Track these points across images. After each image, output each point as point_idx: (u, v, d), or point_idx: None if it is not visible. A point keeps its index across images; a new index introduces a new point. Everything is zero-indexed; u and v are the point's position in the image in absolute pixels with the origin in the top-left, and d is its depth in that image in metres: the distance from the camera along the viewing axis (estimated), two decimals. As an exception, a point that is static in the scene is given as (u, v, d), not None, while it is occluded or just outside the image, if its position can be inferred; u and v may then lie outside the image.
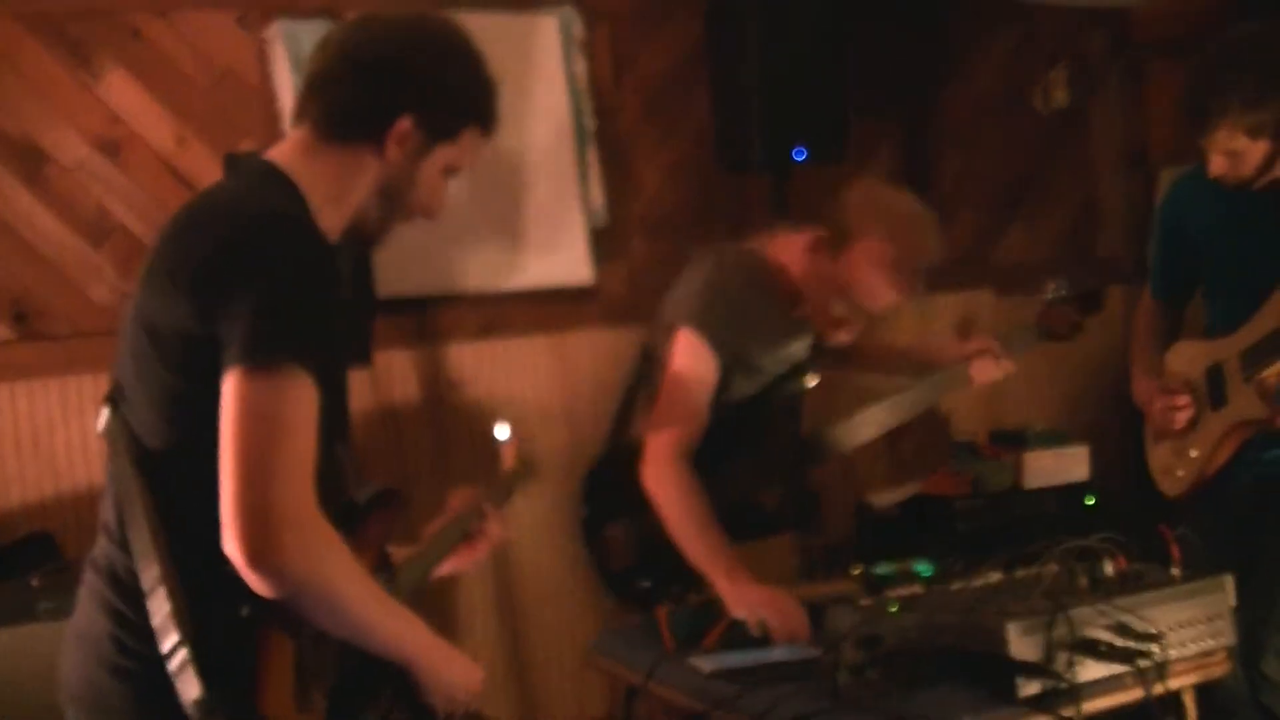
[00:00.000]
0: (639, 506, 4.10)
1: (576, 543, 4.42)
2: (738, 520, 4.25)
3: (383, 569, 2.85)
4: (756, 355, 4.26)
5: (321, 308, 2.47)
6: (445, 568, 3.37)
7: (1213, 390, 4.26)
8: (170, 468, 2.51)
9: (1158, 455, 4.49)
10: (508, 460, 3.67)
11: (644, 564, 4.30)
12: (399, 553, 3.07)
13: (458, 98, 2.79)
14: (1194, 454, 4.32)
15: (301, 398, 2.39)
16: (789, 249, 4.25)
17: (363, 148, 2.73)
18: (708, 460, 4.13)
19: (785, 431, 4.54)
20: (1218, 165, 4.06)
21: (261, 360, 2.36)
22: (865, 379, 4.87)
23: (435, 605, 5.60)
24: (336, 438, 2.69)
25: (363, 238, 2.87)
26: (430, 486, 5.45)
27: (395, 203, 2.82)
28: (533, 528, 5.54)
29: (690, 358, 4.13)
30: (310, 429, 2.41)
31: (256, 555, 2.31)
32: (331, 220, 2.71)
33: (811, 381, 4.49)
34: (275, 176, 2.68)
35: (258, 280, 2.40)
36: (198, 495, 2.37)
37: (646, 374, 4.36)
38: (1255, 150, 3.97)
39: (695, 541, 3.98)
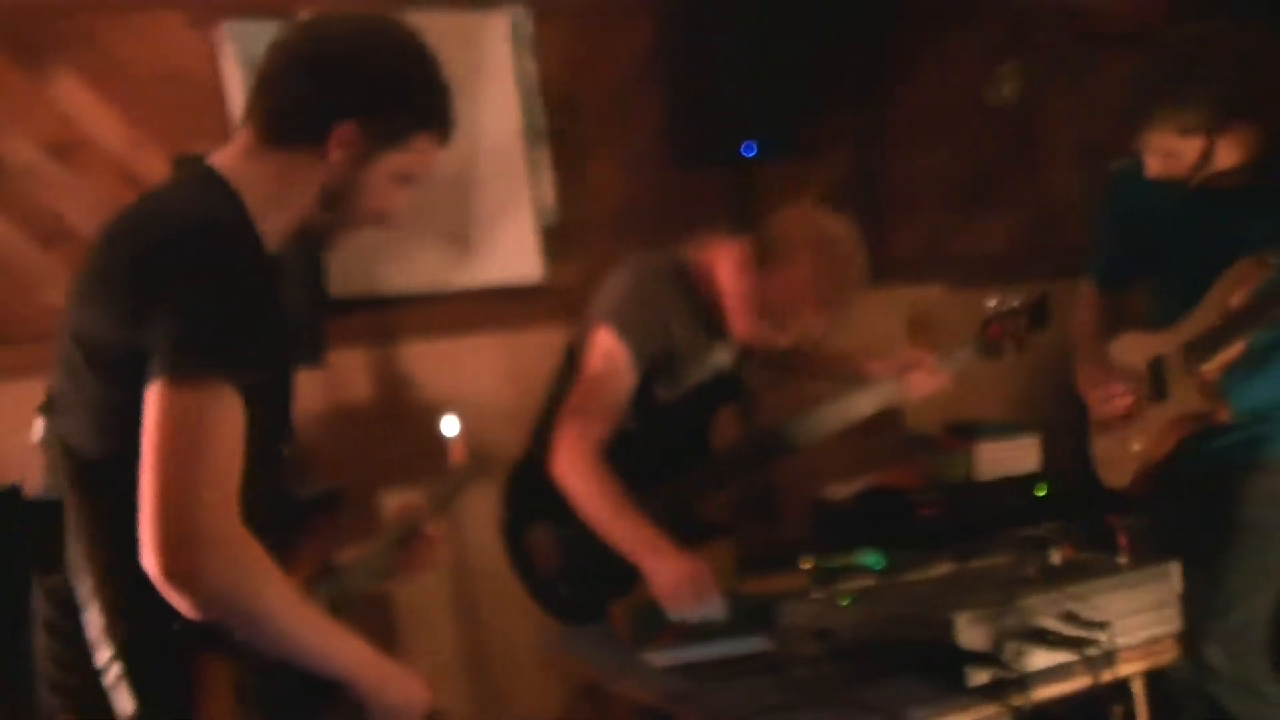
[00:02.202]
0: (561, 509, 4.13)
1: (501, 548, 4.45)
2: (669, 530, 4.28)
3: (327, 574, 2.83)
4: (675, 361, 4.28)
5: (250, 316, 2.43)
6: (387, 580, 3.30)
7: (1155, 382, 4.29)
8: (104, 479, 2.47)
9: (1101, 447, 4.53)
10: (456, 455, 3.67)
11: (568, 569, 4.34)
12: (346, 555, 3.07)
13: (405, 102, 2.71)
14: (1136, 447, 4.36)
15: (224, 411, 2.35)
16: (718, 258, 4.27)
17: (305, 151, 2.66)
18: (635, 470, 4.16)
19: (709, 440, 4.58)
20: (1154, 166, 4.11)
21: (183, 372, 2.33)
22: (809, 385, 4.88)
23: (390, 606, 5.61)
24: (281, 442, 2.68)
25: (312, 242, 2.83)
26: (385, 487, 5.47)
27: (342, 208, 2.75)
28: (487, 525, 5.55)
29: (608, 356, 4.16)
30: (234, 443, 2.37)
31: (172, 572, 2.27)
32: (274, 225, 2.66)
33: (742, 386, 4.53)
34: (212, 181, 2.63)
35: (182, 290, 2.37)
36: (131, 508, 2.32)
37: (569, 375, 4.37)
38: (1189, 149, 4.01)
39: (614, 524, 4.00)
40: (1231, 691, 4.16)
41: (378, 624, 5.54)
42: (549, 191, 5.99)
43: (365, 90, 2.67)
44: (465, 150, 5.77)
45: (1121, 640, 3.36)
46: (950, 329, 6.77)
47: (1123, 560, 3.56)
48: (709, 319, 4.29)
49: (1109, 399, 4.37)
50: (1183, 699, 4.23)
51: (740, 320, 4.24)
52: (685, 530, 4.31)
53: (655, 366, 4.23)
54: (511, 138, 5.90)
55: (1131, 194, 4.39)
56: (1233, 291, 4.07)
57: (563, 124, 6.05)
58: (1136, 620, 3.45)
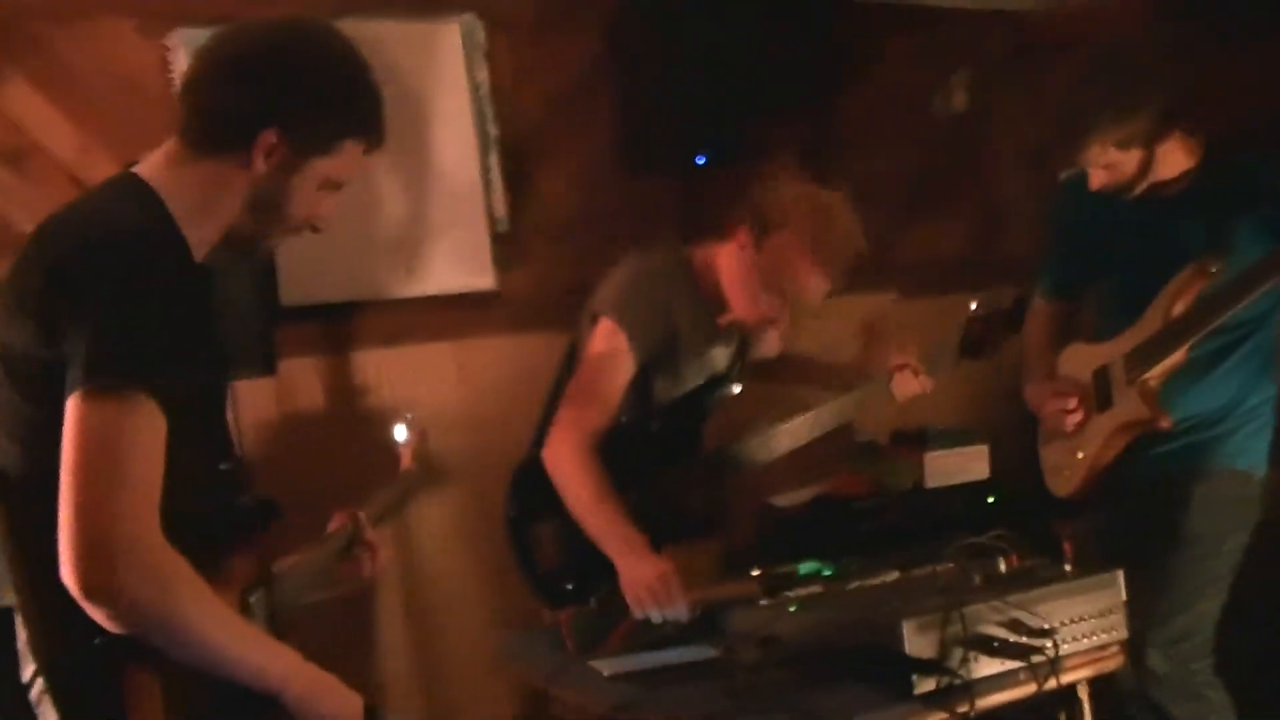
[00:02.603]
0: (563, 506, 4.15)
1: (505, 543, 4.45)
2: (660, 526, 4.31)
3: (263, 584, 2.79)
4: (676, 357, 4.31)
5: (169, 325, 2.40)
6: (329, 588, 3.27)
7: (1100, 392, 4.33)
8: (27, 493, 2.44)
9: (1047, 455, 4.57)
10: (405, 460, 3.67)
11: (570, 565, 4.34)
12: (285, 564, 3.04)
13: (328, 109, 2.69)
14: (1080, 455, 4.39)
15: (142, 422, 2.32)
16: (717, 255, 4.31)
17: (229, 159, 2.64)
18: (629, 470, 4.18)
19: (701, 441, 4.60)
20: (1097, 178, 4.15)
21: (100, 383, 2.30)
22: (793, 391, 4.90)
23: (343, 613, 5.60)
24: (216, 453, 2.67)
25: (243, 250, 2.79)
26: (336, 495, 5.46)
27: (270, 216, 2.72)
28: (440, 533, 5.55)
29: (607, 345, 4.19)
30: (153, 454, 2.34)
31: (89, 586, 2.24)
32: (202, 233, 2.64)
33: (733, 391, 4.55)
34: (133, 189, 2.60)
35: (97, 300, 2.34)
36: (53, 523, 2.28)
37: (569, 374, 4.40)
38: (1129, 161, 4.05)
39: (592, 515, 4.04)
40: (1173, 696, 4.19)
41: (331, 632, 5.53)
42: (501, 199, 5.99)
43: (287, 97, 2.64)
44: (418, 158, 5.77)
45: (1067, 647, 3.38)
46: (901, 336, 6.83)
47: (1068, 568, 3.59)
48: (710, 316, 4.32)
49: (1059, 414, 4.41)
50: (1128, 704, 4.26)
51: (742, 299, 4.29)
52: (671, 528, 4.36)
53: (657, 359, 4.28)
54: (464, 146, 5.90)
55: (1077, 204, 4.42)
56: (1176, 300, 4.10)
57: (514, 132, 6.05)
58: (1082, 627, 3.48)
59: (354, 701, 2.66)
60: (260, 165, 2.64)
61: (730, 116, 5.87)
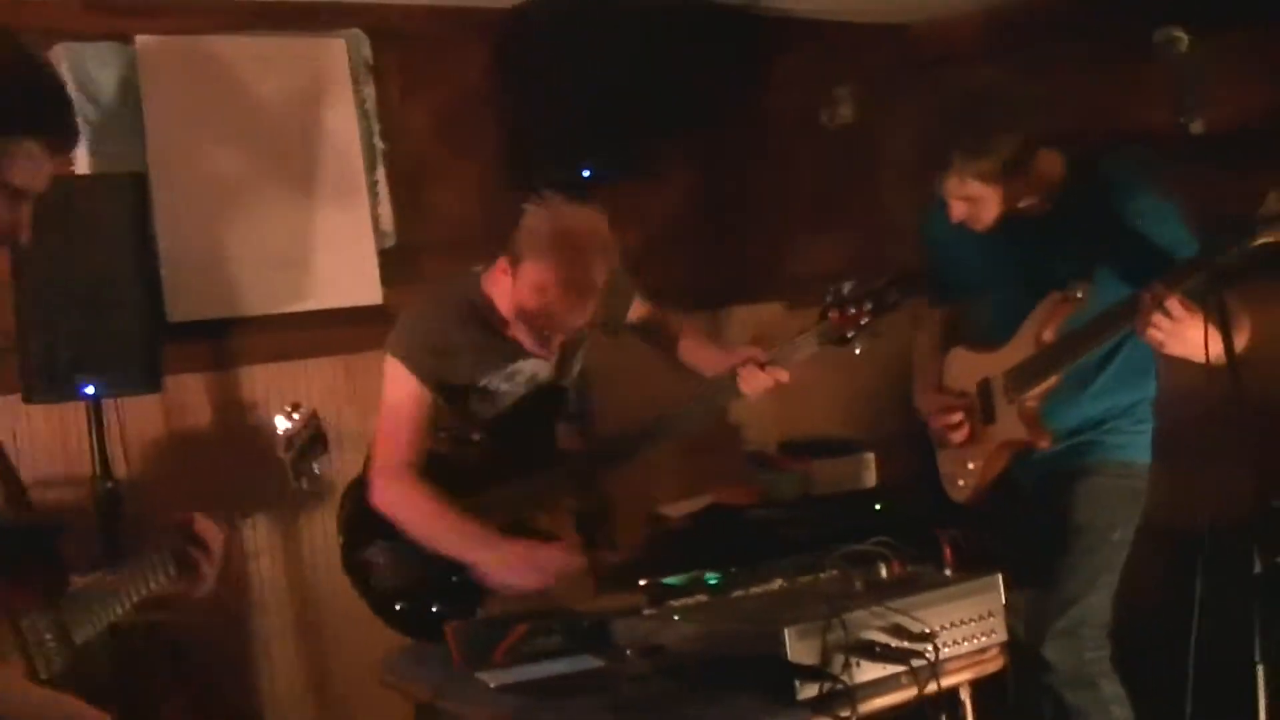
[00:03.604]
0: (390, 529, 4.22)
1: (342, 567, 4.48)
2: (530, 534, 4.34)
3: (54, 603, 2.76)
4: (474, 377, 4.35)
5: None
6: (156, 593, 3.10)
7: (985, 405, 4.40)
8: None
9: (944, 463, 4.63)
10: (280, 451, 3.61)
11: (406, 586, 4.38)
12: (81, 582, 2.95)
13: None
14: (972, 465, 4.46)
15: None
16: (495, 276, 4.31)
17: None
18: (479, 485, 4.21)
19: (553, 443, 4.62)
20: (958, 210, 4.20)
21: None
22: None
23: (234, 628, 5.58)
24: None
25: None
26: (220, 512, 5.43)
27: None
28: (328, 548, 5.54)
29: (395, 383, 4.29)
30: None
31: None
32: None
33: (568, 397, 4.57)
34: None
35: None
36: None
37: None
38: (990, 195, 4.10)
39: (441, 533, 4.13)
40: (1068, 685, 4.25)
41: (222, 649, 5.51)
42: (388, 214, 5.99)
43: None
44: (304, 173, 5.76)
45: (948, 651, 3.42)
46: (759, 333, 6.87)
47: (949, 573, 3.63)
48: (500, 336, 4.33)
49: (947, 428, 4.48)
50: (1026, 699, 4.33)
51: (516, 327, 4.29)
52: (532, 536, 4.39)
53: (456, 385, 4.32)
54: (351, 161, 5.90)
55: (942, 224, 4.47)
56: (1044, 325, 4.19)
57: (401, 147, 6.05)
58: (962, 631, 3.51)
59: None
60: None
61: (616, 131, 5.89)
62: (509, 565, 4.01)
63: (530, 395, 4.46)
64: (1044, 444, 4.25)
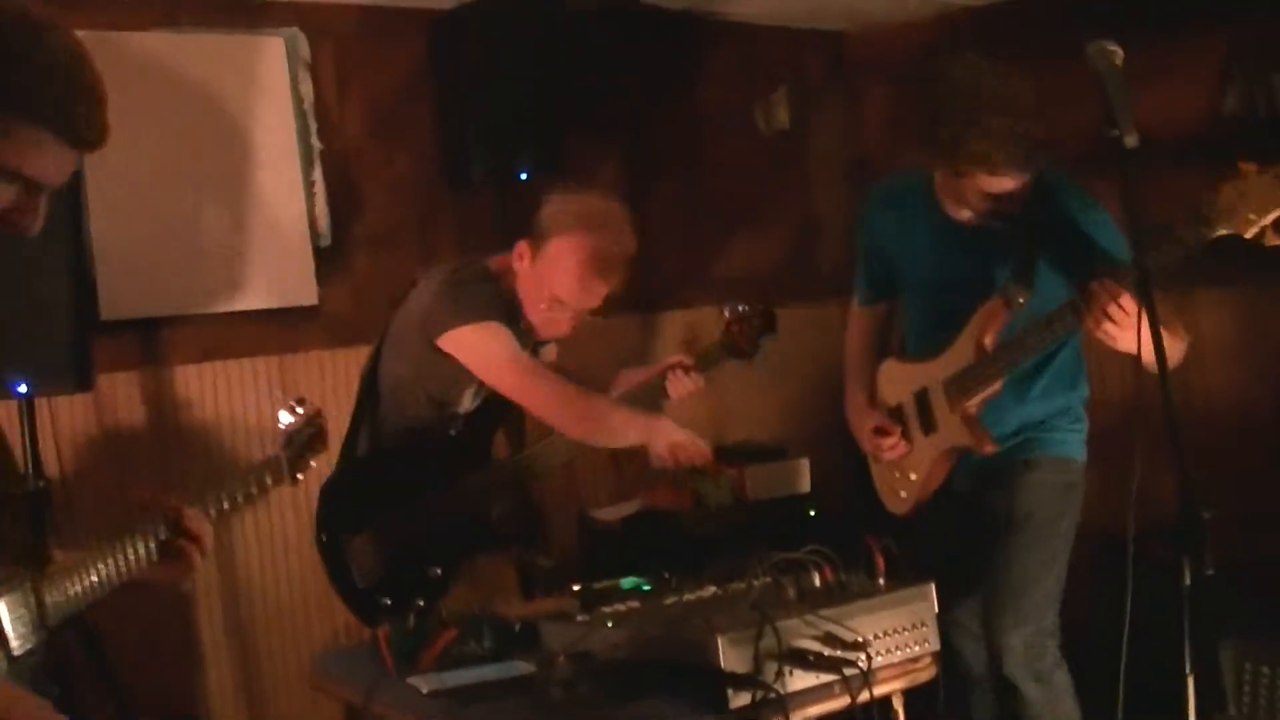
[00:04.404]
0: (377, 521, 4.24)
1: (321, 565, 4.45)
2: (460, 535, 4.34)
3: (26, 580, 2.72)
4: None
5: None
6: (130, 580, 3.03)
7: (922, 415, 4.43)
8: None
9: (881, 476, 4.65)
10: (280, 446, 3.59)
11: (387, 579, 4.36)
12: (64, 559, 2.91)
13: None
14: (913, 476, 4.49)
15: None
16: (505, 268, 4.37)
17: None
18: (430, 476, 4.22)
19: (489, 447, 4.65)
20: (976, 204, 4.18)
21: None
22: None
23: (166, 625, 5.55)
24: None
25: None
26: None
27: None
28: (261, 547, 5.52)
29: (494, 345, 4.33)
30: None
31: None
32: None
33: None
34: None
35: None
36: None
37: (370, 395, 4.44)
38: (1016, 187, 4.09)
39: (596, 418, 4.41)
40: (1027, 678, 4.31)
41: (153, 643, 5.48)
42: (324, 213, 5.97)
43: None
44: (239, 171, 5.74)
45: (880, 659, 3.42)
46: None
47: (881, 581, 3.64)
48: (521, 323, 4.42)
49: (881, 448, 4.51)
50: (957, 707, 4.37)
51: (531, 310, 4.39)
52: (474, 537, 4.46)
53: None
54: (286, 159, 5.88)
55: (882, 218, 4.51)
56: (984, 331, 4.22)
57: (337, 146, 6.04)
58: (895, 639, 3.51)
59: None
60: None
61: (548, 130, 5.90)
62: (664, 435, 4.38)
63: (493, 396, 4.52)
64: (989, 448, 4.28)
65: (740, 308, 4.69)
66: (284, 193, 5.88)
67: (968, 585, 4.48)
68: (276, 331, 5.84)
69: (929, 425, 4.43)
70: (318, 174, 5.97)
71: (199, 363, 5.72)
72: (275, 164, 5.86)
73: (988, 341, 4.22)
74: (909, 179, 4.47)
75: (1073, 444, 4.53)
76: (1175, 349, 3.88)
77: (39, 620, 2.74)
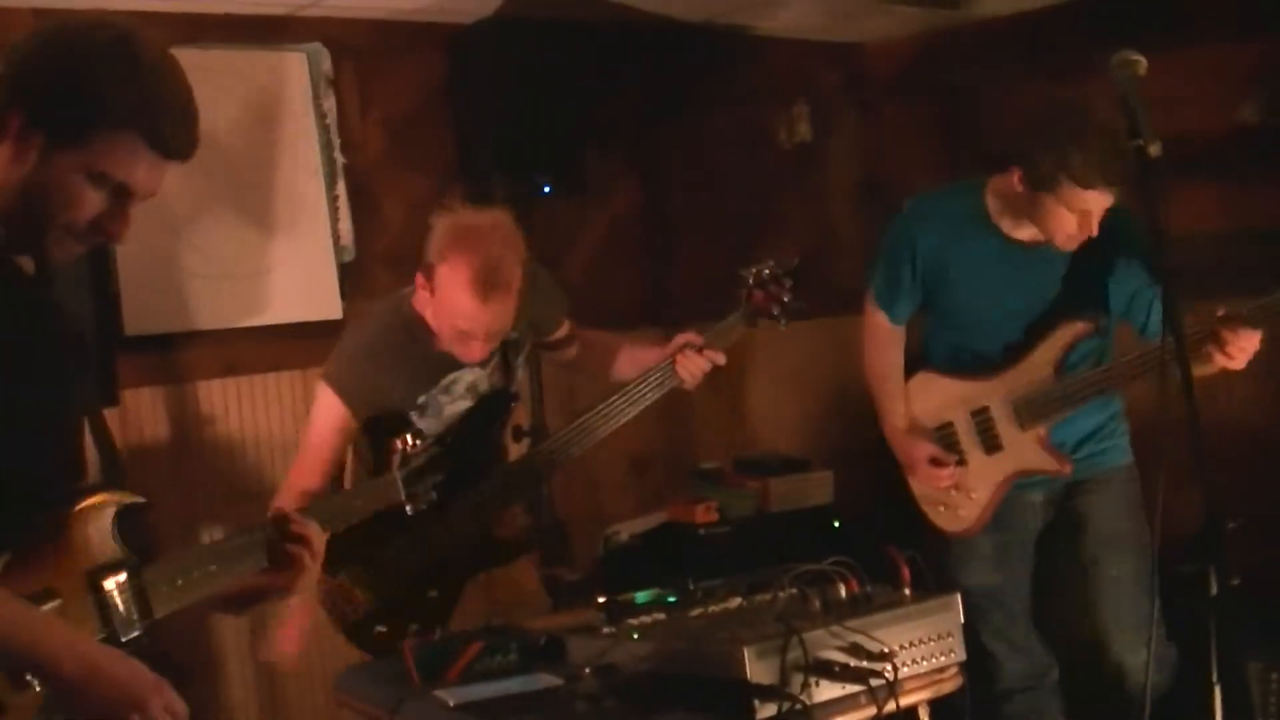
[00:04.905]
0: (364, 552, 4.21)
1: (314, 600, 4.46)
2: (459, 554, 4.34)
3: (121, 567, 2.75)
4: (410, 394, 4.36)
5: None
6: (240, 584, 3.09)
7: (983, 435, 4.44)
8: None
9: (932, 495, 4.65)
10: (394, 467, 3.61)
11: (380, 609, 4.38)
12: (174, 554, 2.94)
13: (72, 95, 2.60)
14: (974, 495, 4.50)
15: None
16: (416, 293, 4.35)
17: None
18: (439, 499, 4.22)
19: (501, 448, 4.64)
20: (1083, 226, 4.18)
21: None
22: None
23: (187, 644, 5.55)
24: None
25: (25, 249, 2.74)
26: (181, 525, 5.41)
27: (33, 209, 2.64)
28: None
29: (319, 407, 4.36)
30: None
31: None
32: None
33: (512, 402, 4.58)
34: None
35: None
36: None
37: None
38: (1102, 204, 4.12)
39: None
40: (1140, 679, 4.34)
41: (175, 663, 5.47)
42: (348, 228, 5.98)
43: (30, 83, 2.61)
44: (264, 187, 5.75)
45: (906, 670, 3.43)
46: (735, 364, 6.88)
47: (906, 592, 3.64)
48: (432, 351, 4.36)
49: (939, 480, 4.53)
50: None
51: (445, 340, 4.31)
52: (486, 549, 4.44)
53: (391, 407, 4.34)
54: (310, 175, 5.89)
55: (926, 240, 4.50)
56: (1060, 351, 4.24)
57: (361, 160, 6.05)
58: (920, 650, 3.52)
59: (145, 684, 2.61)
60: (11, 153, 2.60)
61: (567, 146, 5.90)
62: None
63: (478, 406, 4.48)
64: (1068, 469, 4.32)
65: (764, 270, 4.45)
66: (307, 208, 5.90)
67: (1016, 597, 4.53)
68: (300, 346, 5.84)
69: (991, 445, 4.45)
70: (341, 189, 5.98)
71: (222, 378, 5.73)
72: (298, 179, 5.88)
73: (1066, 360, 4.31)
74: (956, 199, 4.50)
75: (1126, 446, 4.61)
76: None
77: (144, 608, 2.77)
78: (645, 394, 4.51)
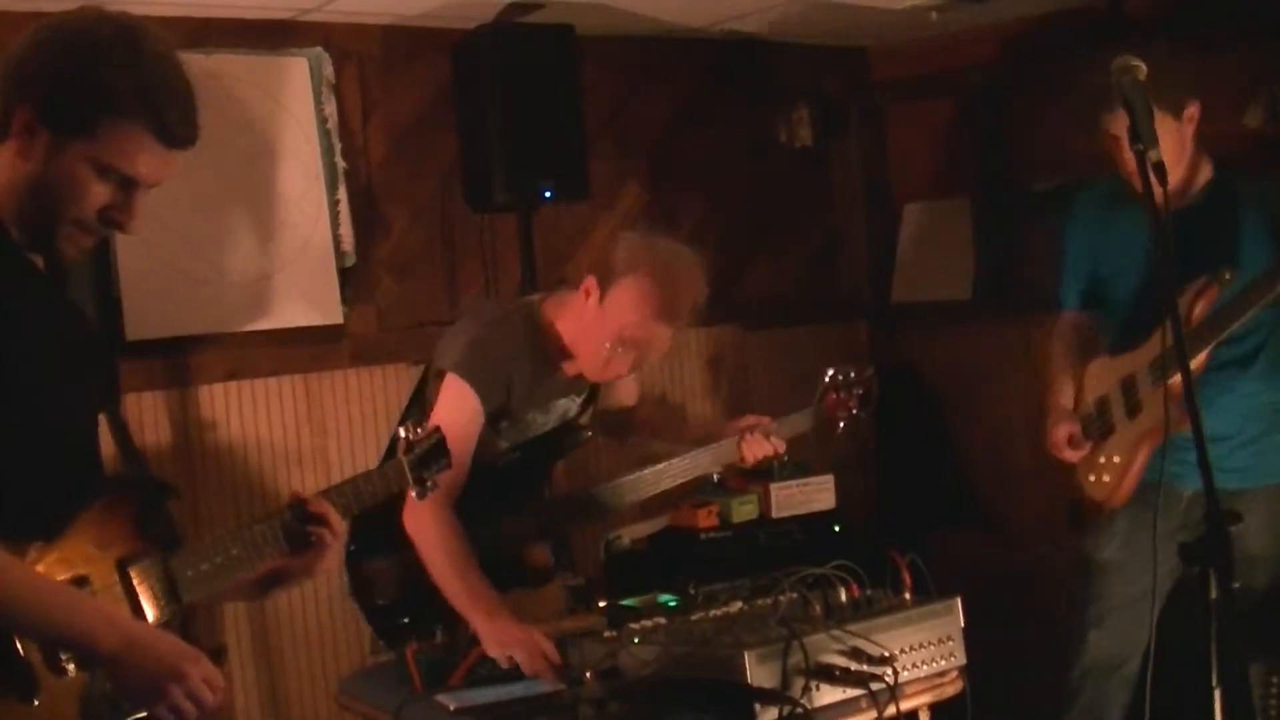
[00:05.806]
0: (403, 543, 4.16)
1: (342, 575, 4.45)
2: (506, 570, 4.33)
3: (147, 555, 2.78)
4: (519, 407, 4.34)
5: None
6: (264, 568, 3.08)
7: (1128, 401, 4.50)
8: None
9: (1083, 466, 4.71)
10: (400, 451, 3.61)
11: (406, 600, 4.35)
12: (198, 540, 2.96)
13: (77, 87, 2.64)
14: (1117, 459, 4.52)
15: None
16: (561, 307, 4.36)
17: (8, 144, 2.67)
18: (476, 510, 4.20)
19: (548, 479, 4.65)
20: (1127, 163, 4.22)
21: None
22: (646, 447, 4.92)
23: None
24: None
25: (41, 243, 2.76)
26: (180, 530, 5.41)
27: (44, 202, 2.68)
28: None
29: (457, 403, 4.23)
30: None
31: None
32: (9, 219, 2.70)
33: (586, 435, 4.60)
34: None
35: None
36: None
37: (417, 413, 4.43)
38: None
39: (454, 584, 4.04)
40: None
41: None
42: (348, 233, 5.97)
43: (37, 76, 2.65)
44: (265, 191, 5.75)
45: (907, 674, 3.44)
46: (743, 369, 6.88)
47: (907, 596, 3.64)
48: (552, 369, 4.38)
49: (1061, 448, 4.60)
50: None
51: (587, 351, 4.32)
52: (512, 573, 4.38)
53: (501, 410, 4.31)
54: (312, 180, 5.88)
55: (1086, 225, 4.73)
56: (1193, 306, 4.25)
57: (362, 166, 6.05)
58: (921, 654, 3.54)
59: (190, 661, 2.65)
60: (20, 146, 2.66)
61: (571, 151, 5.90)
62: (500, 640, 3.92)
63: (554, 430, 4.53)
64: (1184, 423, 4.30)
65: (841, 375, 4.68)
66: (309, 213, 5.88)
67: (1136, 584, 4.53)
68: (301, 351, 5.84)
69: (1133, 409, 4.46)
70: (342, 194, 5.97)
71: (224, 382, 5.71)
72: (300, 184, 5.86)
73: (1197, 313, 4.28)
74: (1106, 183, 4.57)
75: None
76: None
77: (172, 592, 2.80)
78: (704, 463, 4.62)
